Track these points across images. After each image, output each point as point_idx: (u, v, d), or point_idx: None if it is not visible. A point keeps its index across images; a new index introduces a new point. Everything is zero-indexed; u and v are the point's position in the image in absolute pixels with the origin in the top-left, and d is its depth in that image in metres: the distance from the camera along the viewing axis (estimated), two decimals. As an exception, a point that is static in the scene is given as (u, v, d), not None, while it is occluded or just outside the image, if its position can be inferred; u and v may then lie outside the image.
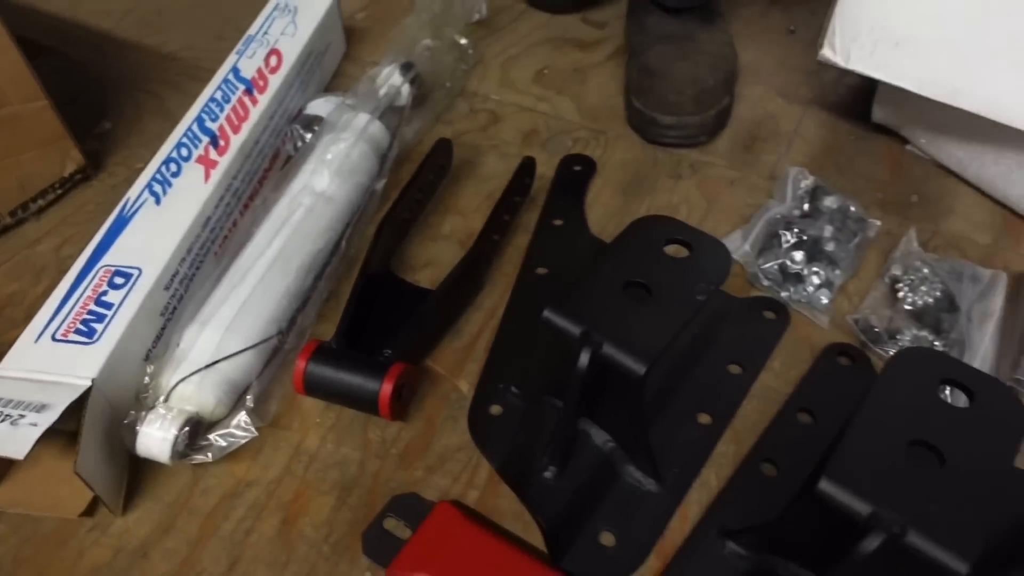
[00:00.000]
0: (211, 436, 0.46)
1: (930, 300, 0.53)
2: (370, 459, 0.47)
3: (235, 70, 0.63)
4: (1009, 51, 0.52)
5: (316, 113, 0.64)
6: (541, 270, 0.57)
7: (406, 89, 0.66)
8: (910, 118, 0.64)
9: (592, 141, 0.68)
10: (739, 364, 0.51)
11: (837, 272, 0.55)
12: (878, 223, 0.59)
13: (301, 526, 0.45)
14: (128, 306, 0.47)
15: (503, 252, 0.59)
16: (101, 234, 0.51)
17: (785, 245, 0.56)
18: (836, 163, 0.65)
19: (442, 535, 0.42)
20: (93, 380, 0.43)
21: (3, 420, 0.41)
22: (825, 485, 0.34)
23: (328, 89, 0.72)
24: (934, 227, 0.60)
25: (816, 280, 0.54)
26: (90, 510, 0.44)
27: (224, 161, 0.56)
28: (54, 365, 0.44)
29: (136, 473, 0.46)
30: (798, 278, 0.55)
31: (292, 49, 0.66)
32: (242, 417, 0.46)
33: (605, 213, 0.62)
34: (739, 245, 0.57)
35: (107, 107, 0.71)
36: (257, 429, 0.47)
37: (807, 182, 0.60)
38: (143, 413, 0.44)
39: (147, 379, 0.47)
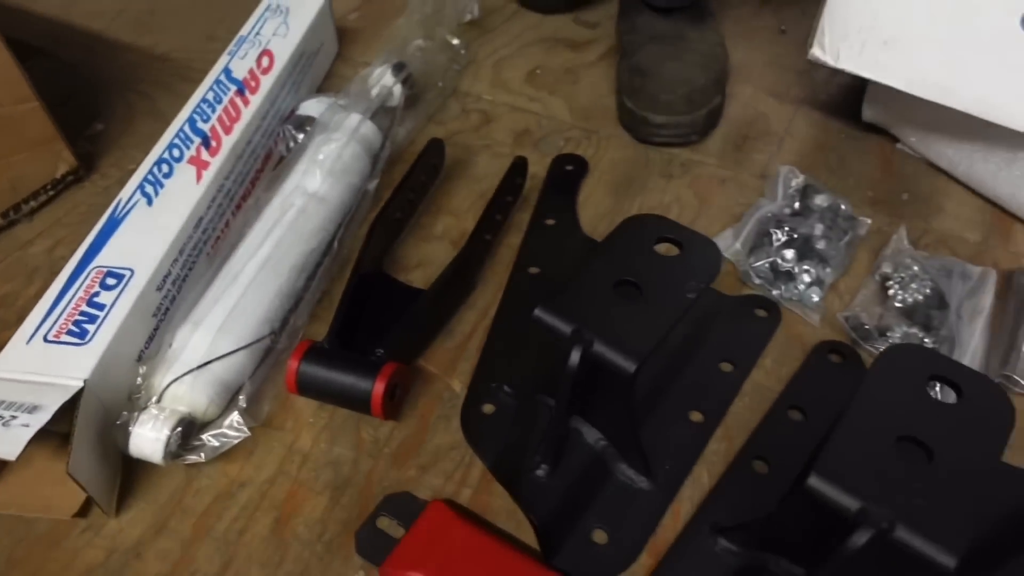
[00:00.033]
0: (204, 436, 0.46)
1: (920, 297, 0.53)
2: (363, 458, 0.47)
3: (227, 71, 0.63)
4: (996, 49, 0.53)
5: (308, 114, 0.64)
6: (533, 269, 0.57)
7: (398, 89, 0.66)
8: (900, 117, 0.65)
9: (584, 141, 0.68)
10: (731, 362, 0.51)
11: (828, 270, 0.55)
12: (868, 221, 0.59)
13: (294, 526, 0.45)
14: (120, 307, 0.47)
15: (495, 252, 0.59)
16: (93, 235, 0.51)
17: (776, 243, 0.56)
18: (827, 162, 0.66)
19: (435, 534, 0.42)
20: (85, 381, 0.43)
21: (-5, 421, 0.41)
22: (814, 481, 0.34)
23: (320, 90, 0.73)
24: (924, 225, 0.60)
25: (807, 278, 0.54)
26: (83, 511, 0.44)
27: (216, 162, 0.56)
28: (46, 366, 0.44)
29: (129, 474, 0.46)
30: (789, 276, 0.55)
31: (284, 50, 0.66)
32: (235, 417, 0.46)
33: (597, 212, 0.62)
34: (730, 244, 0.57)
35: (99, 108, 0.71)
36: (250, 429, 0.47)
37: (798, 181, 0.60)
38: (135, 414, 0.44)
39: (139, 380, 0.47)
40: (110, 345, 0.45)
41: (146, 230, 0.52)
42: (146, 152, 0.56)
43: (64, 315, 0.47)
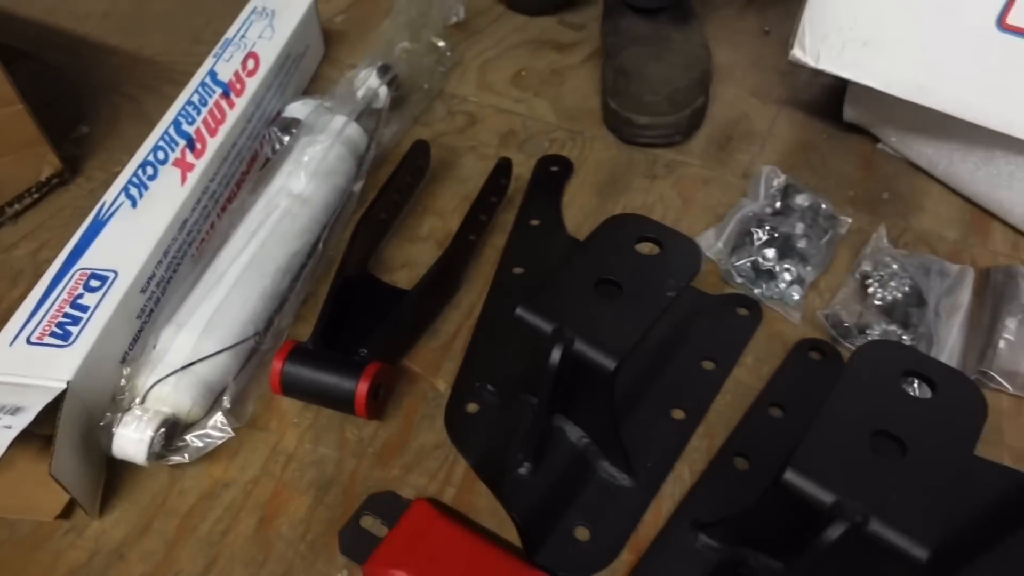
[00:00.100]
0: (188, 437, 0.46)
1: (899, 295, 0.54)
2: (347, 458, 0.48)
3: (212, 73, 0.63)
4: (973, 50, 0.53)
5: (294, 116, 0.64)
6: (518, 269, 0.58)
7: (384, 91, 0.66)
8: (880, 117, 0.65)
9: (569, 142, 0.68)
10: (712, 360, 0.52)
11: (808, 269, 0.56)
12: (849, 220, 0.60)
13: (278, 525, 0.45)
14: (104, 309, 0.47)
15: (480, 252, 0.59)
16: (77, 237, 0.51)
17: (757, 243, 0.56)
18: (809, 162, 0.66)
19: (418, 532, 0.42)
20: (68, 382, 0.43)
21: (-23, 423, 0.41)
22: (790, 475, 0.35)
23: (307, 92, 0.73)
24: (904, 224, 0.61)
25: (788, 277, 0.55)
26: (66, 512, 0.45)
27: (201, 164, 0.57)
28: (29, 368, 0.44)
29: (113, 475, 0.46)
30: (770, 275, 0.55)
31: (269, 52, 0.66)
32: (219, 418, 0.46)
33: (581, 213, 0.62)
34: (712, 243, 0.58)
35: (84, 111, 0.71)
36: (234, 430, 0.47)
37: (779, 180, 0.61)
38: (119, 415, 0.44)
39: (123, 381, 0.47)
40: (93, 347, 0.46)
41: (130, 232, 0.52)
42: (131, 155, 0.56)
43: (47, 317, 0.47)
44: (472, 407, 0.50)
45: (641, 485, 0.46)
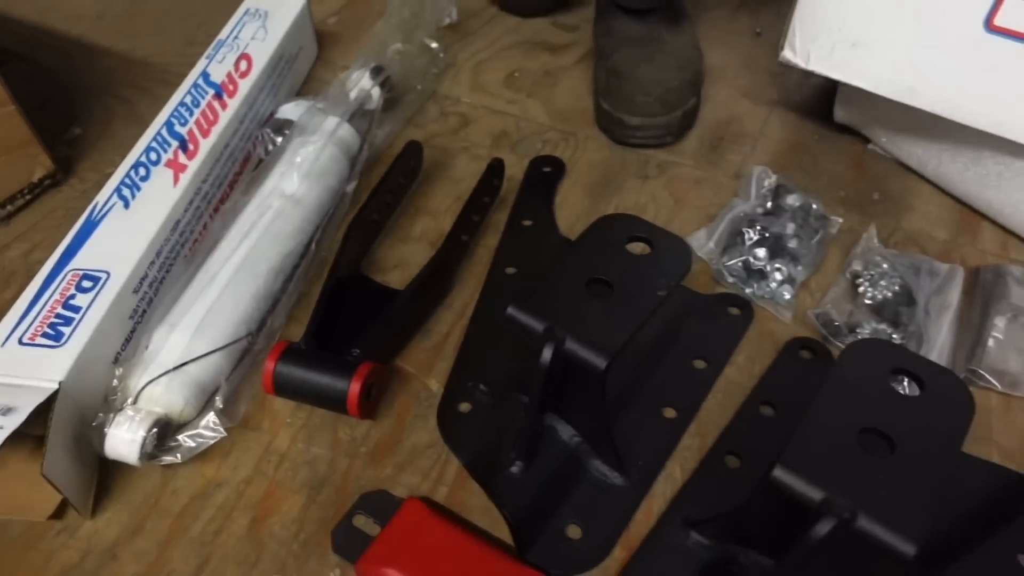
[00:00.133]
0: (180, 437, 0.46)
1: (889, 294, 0.54)
2: (340, 458, 0.48)
3: (205, 75, 0.63)
4: (961, 51, 0.54)
5: (287, 117, 0.64)
6: (510, 270, 0.58)
7: (376, 92, 0.66)
8: (871, 118, 0.66)
9: (562, 143, 0.69)
10: (704, 359, 0.52)
11: (799, 268, 0.56)
12: (840, 220, 0.60)
13: (271, 525, 0.45)
14: (96, 309, 0.47)
15: (473, 252, 0.59)
16: (69, 238, 0.51)
17: (748, 242, 0.57)
18: (800, 162, 0.67)
19: (410, 531, 0.42)
20: (60, 383, 0.43)
21: (-31, 424, 0.41)
22: (779, 472, 0.35)
23: (300, 93, 0.73)
24: (895, 224, 0.61)
25: (779, 276, 0.55)
26: (59, 513, 0.45)
27: (193, 165, 0.57)
28: (21, 368, 0.44)
29: (105, 475, 0.46)
30: (761, 274, 0.56)
31: (262, 54, 0.66)
32: (211, 418, 0.47)
33: (574, 213, 0.62)
34: (704, 243, 0.58)
35: (77, 113, 0.71)
36: (227, 430, 0.47)
37: (770, 181, 0.61)
38: (111, 415, 0.45)
39: (116, 381, 0.47)
40: (85, 347, 0.46)
41: (123, 233, 0.52)
42: (124, 156, 0.56)
43: (39, 318, 0.47)
44: (464, 406, 0.50)
45: (633, 483, 0.46)
